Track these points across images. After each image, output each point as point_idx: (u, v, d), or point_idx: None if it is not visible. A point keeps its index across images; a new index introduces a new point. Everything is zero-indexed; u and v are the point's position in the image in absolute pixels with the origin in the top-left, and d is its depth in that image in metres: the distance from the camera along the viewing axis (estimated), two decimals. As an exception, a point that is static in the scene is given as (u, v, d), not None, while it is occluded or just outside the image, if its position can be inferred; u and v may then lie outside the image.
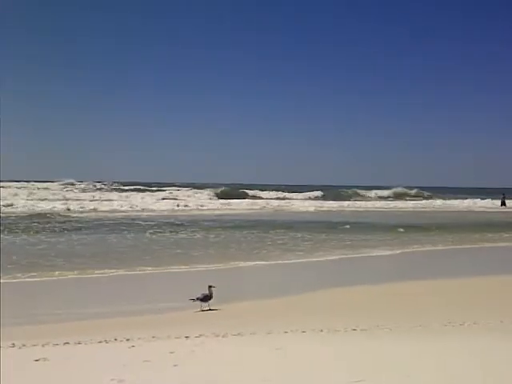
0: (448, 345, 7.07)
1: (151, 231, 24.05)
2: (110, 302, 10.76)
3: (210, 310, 10.03)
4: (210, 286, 10.08)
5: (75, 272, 13.55)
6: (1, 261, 14.53)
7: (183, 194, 57.24)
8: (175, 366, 6.11)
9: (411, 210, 48.39)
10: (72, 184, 64.43)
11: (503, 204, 53.90)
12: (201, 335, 7.77)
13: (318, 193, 64.18)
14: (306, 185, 79.37)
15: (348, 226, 27.17)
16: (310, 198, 60.32)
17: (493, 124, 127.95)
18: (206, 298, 10.02)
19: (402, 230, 25.85)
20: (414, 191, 69.23)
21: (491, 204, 55.76)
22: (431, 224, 29.35)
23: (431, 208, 51.50)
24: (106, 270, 13.82)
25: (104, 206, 39.95)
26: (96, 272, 13.66)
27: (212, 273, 13.89)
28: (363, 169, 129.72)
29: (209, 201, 51.16)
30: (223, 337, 7.75)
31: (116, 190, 61.68)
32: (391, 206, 52.75)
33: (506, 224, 31.37)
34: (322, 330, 8.12)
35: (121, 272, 13.68)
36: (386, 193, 67.83)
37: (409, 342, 7.34)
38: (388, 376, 5.64)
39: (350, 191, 68.33)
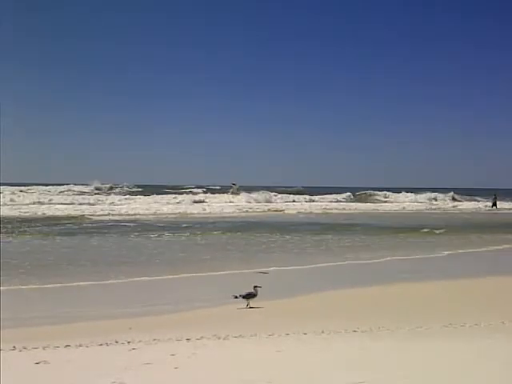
0: (449, 346, 7.07)
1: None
2: (112, 304, 10.74)
3: (250, 307, 10.29)
4: (255, 286, 10.39)
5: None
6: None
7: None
8: (176, 368, 6.11)
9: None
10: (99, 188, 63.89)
11: (494, 205, 54.50)
12: (202, 337, 7.77)
13: (346, 195, 62.58)
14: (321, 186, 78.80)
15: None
16: (337, 200, 58.52)
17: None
18: (248, 296, 10.34)
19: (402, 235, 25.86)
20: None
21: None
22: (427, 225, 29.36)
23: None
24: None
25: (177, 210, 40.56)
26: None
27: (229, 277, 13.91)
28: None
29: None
30: (224, 339, 7.75)
31: (137, 193, 58.59)
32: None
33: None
34: (323, 332, 8.13)
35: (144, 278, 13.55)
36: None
37: (409, 344, 7.34)
38: (388, 377, 5.63)
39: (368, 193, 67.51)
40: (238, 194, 55.20)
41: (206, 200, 50.03)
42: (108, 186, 64.36)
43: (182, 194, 56.09)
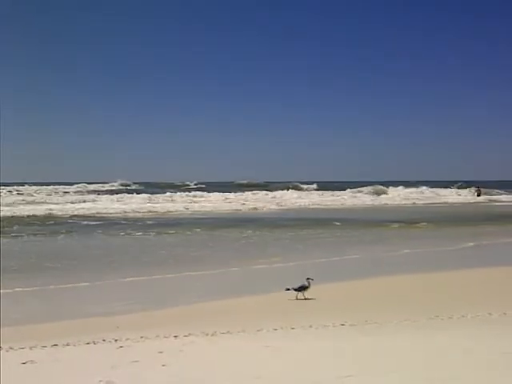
0: (436, 339, 7.11)
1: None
2: (99, 303, 10.69)
3: (305, 299, 10.55)
4: (307, 278, 10.62)
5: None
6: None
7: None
8: (164, 365, 6.09)
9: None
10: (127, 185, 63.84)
11: (478, 195, 57.77)
12: (190, 334, 7.76)
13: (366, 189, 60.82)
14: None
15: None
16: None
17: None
18: (300, 288, 10.57)
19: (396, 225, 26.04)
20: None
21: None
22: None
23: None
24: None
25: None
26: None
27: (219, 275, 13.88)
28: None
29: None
30: (212, 335, 7.74)
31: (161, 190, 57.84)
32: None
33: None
34: (311, 326, 8.15)
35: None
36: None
37: (397, 337, 7.38)
38: (376, 371, 5.65)
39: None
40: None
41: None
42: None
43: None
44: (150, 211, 36.28)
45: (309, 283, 10.61)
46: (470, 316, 8.64)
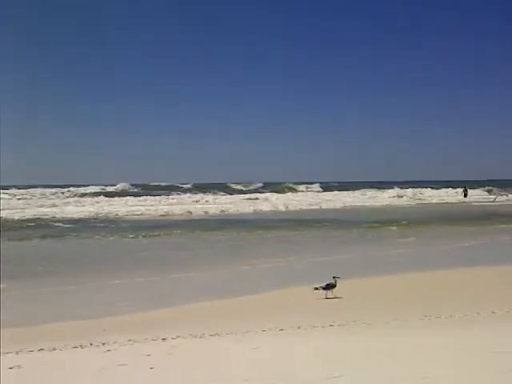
0: (425, 339, 7.10)
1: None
2: (86, 306, 10.61)
3: (335, 297, 10.66)
4: (334, 277, 10.78)
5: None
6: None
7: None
8: (152, 368, 6.04)
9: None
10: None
11: (465, 195, 58.39)
12: (178, 337, 7.72)
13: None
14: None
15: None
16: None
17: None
18: (328, 287, 10.71)
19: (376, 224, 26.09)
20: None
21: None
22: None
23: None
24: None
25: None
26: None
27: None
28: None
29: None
30: (200, 337, 7.71)
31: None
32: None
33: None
34: (299, 327, 8.13)
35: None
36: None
37: (386, 337, 7.38)
38: (365, 371, 5.64)
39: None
40: None
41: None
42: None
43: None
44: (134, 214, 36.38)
45: (335, 282, 10.73)
46: (458, 316, 8.67)
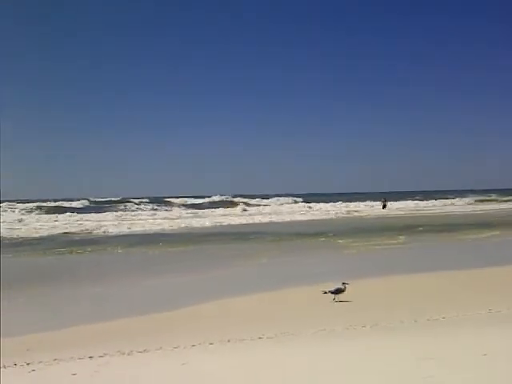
0: (351, 349, 7.24)
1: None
2: (8, 324, 10.23)
3: (341, 301, 11.04)
4: (343, 283, 11.17)
5: None
6: None
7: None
8: (78, 388, 5.96)
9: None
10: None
11: (384, 207, 61.01)
12: (105, 354, 7.62)
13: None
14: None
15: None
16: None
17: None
18: (337, 291, 11.16)
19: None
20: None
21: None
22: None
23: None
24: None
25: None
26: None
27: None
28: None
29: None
30: (128, 355, 7.63)
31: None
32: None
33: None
34: (229, 341, 8.17)
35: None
36: None
37: (312, 347, 7.50)
38: (291, 383, 5.74)
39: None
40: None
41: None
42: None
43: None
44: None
45: (344, 287, 11.17)
46: (440, 318, 8.97)
